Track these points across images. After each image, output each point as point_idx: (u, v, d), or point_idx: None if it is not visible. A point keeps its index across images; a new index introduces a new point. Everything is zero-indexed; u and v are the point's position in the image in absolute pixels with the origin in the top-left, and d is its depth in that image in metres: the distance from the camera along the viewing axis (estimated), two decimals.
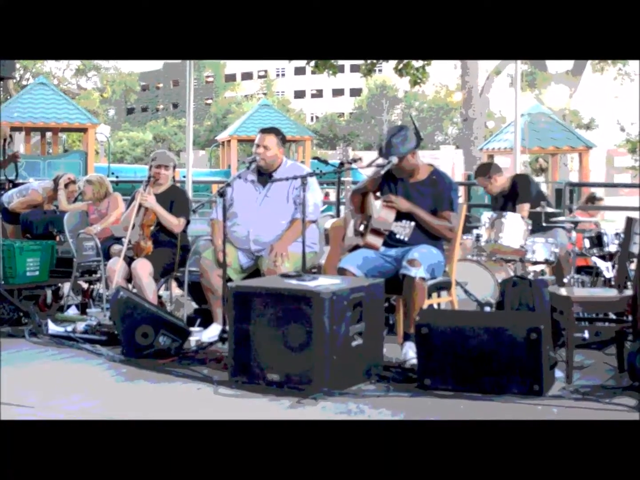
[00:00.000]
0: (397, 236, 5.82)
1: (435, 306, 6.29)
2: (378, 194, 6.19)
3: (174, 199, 7.12)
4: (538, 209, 7.26)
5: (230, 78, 70.72)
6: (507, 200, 7.69)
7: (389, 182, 6.12)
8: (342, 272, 5.88)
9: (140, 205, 6.95)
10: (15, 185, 10.03)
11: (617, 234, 7.08)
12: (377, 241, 6.02)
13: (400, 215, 5.94)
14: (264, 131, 6.65)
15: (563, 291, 5.85)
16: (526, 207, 7.55)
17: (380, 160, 6.12)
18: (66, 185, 9.36)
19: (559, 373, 5.32)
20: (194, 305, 7.37)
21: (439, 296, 6.20)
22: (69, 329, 6.67)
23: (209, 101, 66.27)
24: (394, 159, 5.95)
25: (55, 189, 9.46)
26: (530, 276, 6.83)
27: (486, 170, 7.91)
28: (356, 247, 6.13)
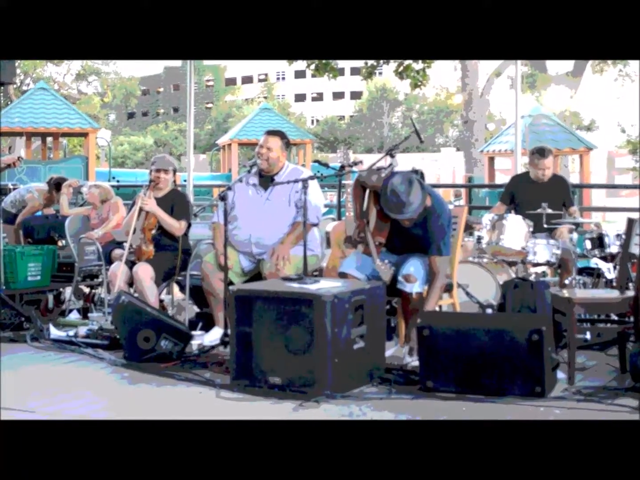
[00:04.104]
0: (383, 278, 5.70)
1: (437, 308, 6.28)
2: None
3: (174, 203, 7.12)
4: (539, 211, 7.25)
5: (231, 82, 70.79)
6: (546, 192, 7.56)
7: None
8: (343, 276, 5.87)
9: (141, 209, 6.96)
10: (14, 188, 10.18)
11: (618, 235, 7.06)
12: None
13: (397, 230, 5.87)
14: (269, 133, 6.68)
15: (565, 293, 5.84)
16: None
17: (382, 163, 6.10)
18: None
19: (561, 374, 5.31)
20: (196, 309, 7.37)
21: (440, 298, 6.19)
22: (71, 333, 6.67)
23: (210, 105, 66.33)
24: (395, 162, 5.93)
25: (50, 191, 9.55)
26: (531, 278, 6.82)
27: (550, 151, 7.79)
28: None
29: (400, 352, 5.95)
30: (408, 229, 5.83)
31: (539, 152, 7.66)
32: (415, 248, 5.86)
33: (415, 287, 5.68)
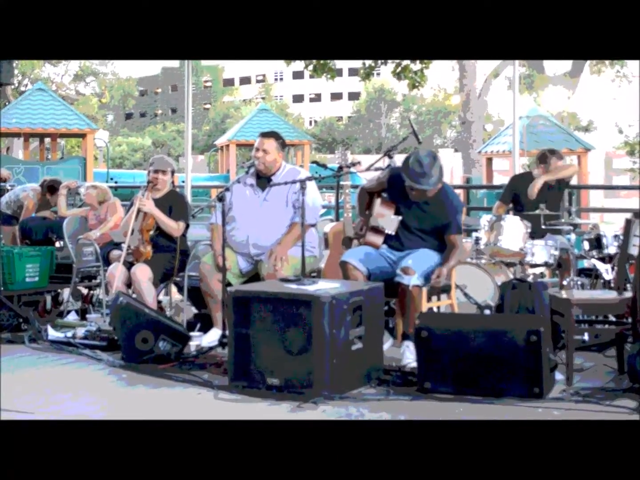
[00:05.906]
0: (386, 231, 5.86)
1: (435, 309, 6.28)
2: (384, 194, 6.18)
3: (172, 204, 7.12)
4: (537, 212, 7.25)
5: (229, 82, 70.76)
6: (552, 194, 7.58)
7: (398, 197, 6.04)
8: (344, 265, 5.87)
9: (139, 210, 6.95)
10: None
11: (616, 236, 7.06)
12: (378, 239, 6.02)
13: (406, 215, 5.94)
14: (264, 135, 6.65)
15: (563, 294, 5.85)
16: None
17: (380, 164, 6.11)
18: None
19: (559, 375, 5.31)
20: (194, 310, 7.36)
21: (438, 299, 6.20)
22: (69, 334, 6.66)
23: (208, 106, 66.27)
24: (393, 163, 5.95)
25: (44, 194, 9.54)
26: (529, 279, 6.82)
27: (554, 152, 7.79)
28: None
29: (397, 350, 5.95)
30: (424, 209, 5.93)
31: (558, 154, 7.69)
32: (420, 242, 5.90)
33: (413, 280, 5.67)
